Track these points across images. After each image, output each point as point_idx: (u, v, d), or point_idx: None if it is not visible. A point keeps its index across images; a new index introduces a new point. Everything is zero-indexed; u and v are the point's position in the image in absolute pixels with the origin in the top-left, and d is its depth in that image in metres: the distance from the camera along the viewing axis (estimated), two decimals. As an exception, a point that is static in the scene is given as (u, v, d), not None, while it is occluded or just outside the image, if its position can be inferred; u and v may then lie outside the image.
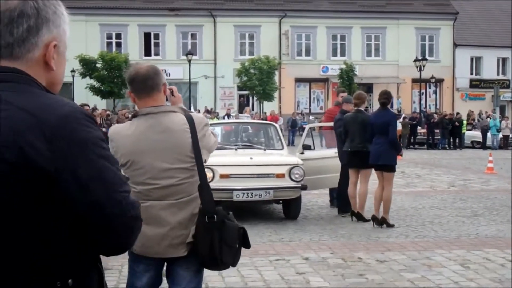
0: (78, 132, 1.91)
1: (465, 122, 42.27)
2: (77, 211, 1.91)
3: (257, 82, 47.94)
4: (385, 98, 11.82)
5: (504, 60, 58.84)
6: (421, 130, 40.85)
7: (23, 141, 1.85)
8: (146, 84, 4.15)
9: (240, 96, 55.03)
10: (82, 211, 1.91)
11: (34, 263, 1.91)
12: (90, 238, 1.98)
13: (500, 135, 40.11)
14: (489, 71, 58.25)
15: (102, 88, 44.78)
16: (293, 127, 42.84)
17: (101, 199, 1.92)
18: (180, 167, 4.12)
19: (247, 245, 4.31)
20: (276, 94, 51.15)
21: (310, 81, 56.45)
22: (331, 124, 13.30)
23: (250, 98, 53.41)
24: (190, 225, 4.15)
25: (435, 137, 39.86)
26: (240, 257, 4.39)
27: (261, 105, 50.26)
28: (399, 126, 37.02)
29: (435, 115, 42.41)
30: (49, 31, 2.03)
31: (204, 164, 4.23)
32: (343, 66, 50.34)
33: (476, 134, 41.27)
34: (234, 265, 4.37)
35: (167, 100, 4.40)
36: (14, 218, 1.87)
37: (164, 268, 4.39)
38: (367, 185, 12.05)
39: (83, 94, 43.25)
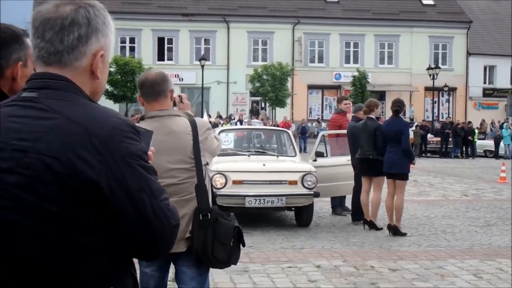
0: (124, 145, 1.94)
1: (476, 131, 42.09)
2: (124, 221, 1.94)
3: (270, 88, 47.96)
4: (398, 106, 11.79)
5: (517, 69, 58.62)
6: (432, 138, 40.72)
7: (72, 152, 1.87)
8: (154, 89, 4.50)
9: (253, 102, 55.03)
10: (129, 221, 1.94)
11: (79, 272, 1.93)
12: (132, 246, 2.00)
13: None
14: (502, 80, 58.02)
15: (115, 92, 44.92)
16: (303, 134, 42.77)
17: (148, 209, 1.95)
18: (182, 167, 4.41)
19: (242, 243, 4.58)
20: (288, 101, 51.15)
21: (322, 88, 56.43)
22: (344, 131, 13.28)
23: (263, 104, 53.41)
24: (189, 222, 4.40)
25: (448, 146, 39.73)
26: (239, 255, 4.63)
27: (274, 111, 50.26)
28: (411, 135, 37.02)
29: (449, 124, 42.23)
30: (97, 40, 2.07)
31: (207, 166, 4.56)
32: (356, 73, 50.24)
33: (489, 143, 41.10)
34: (231, 263, 4.55)
35: (174, 105, 4.71)
36: (60, 226, 1.88)
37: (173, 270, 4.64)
38: (379, 193, 12.00)
39: (97, 98, 43.38)
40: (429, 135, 40.93)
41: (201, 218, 4.39)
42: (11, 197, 1.87)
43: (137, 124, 4.25)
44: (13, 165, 1.88)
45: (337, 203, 13.88)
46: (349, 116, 13.99)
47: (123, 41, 53.20)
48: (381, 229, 11.71)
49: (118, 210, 1.92)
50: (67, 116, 1.91)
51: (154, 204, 1.96)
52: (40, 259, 1.88)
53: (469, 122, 42.70)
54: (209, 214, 4.41)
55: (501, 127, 42.15)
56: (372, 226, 11.91)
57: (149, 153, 2.08)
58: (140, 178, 1.95)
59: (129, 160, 1.94)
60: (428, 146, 40.28)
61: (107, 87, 44.35)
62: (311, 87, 56.14)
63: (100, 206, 1.91)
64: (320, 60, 56.47)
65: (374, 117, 12.18)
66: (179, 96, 4.74)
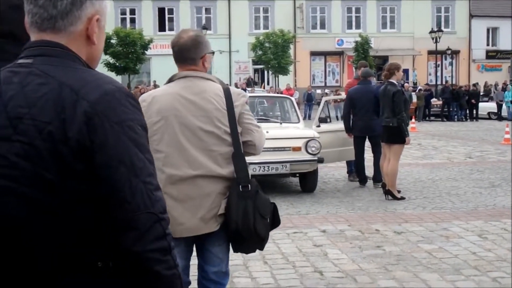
0: (115, 111, 1.88)
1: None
2: (99, 191, 1.86)
3: (272, 56, 47.84)
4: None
5: (521, 30, 58.35)
6: (436, 102, 40.64)
7: (63, 116, 1.84)
8: (182, 55, 4.14)
9: (255, 70, 54.89)
10: (105, 195, 1.86)
11: (77, 240, 1.89)
12: (112, 226, 1.88)
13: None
14: (505, 42, 57.59)
15: (117, 64, 44.81)
16: (309, 101, 42.74)
17: (123, 184, 1.86)
18: (211, 130, 4.02)
19: (277, 220, 4.26)
20: (291, 68, 51.01)
21: (325, 54, 56.25)
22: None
23: (265, 72, 53.29)
24: (220, 198, 4.06)
25: (450, 109, 39.64)
26: (268, 237, 4.27)
27: (277, 79, 50.15)
28: (414, 98, 36.96)
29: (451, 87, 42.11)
30: (92, 4, 2.02)
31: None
32: (358, 39, 50.07)
33: (493, 105, 40.99)
34: (263, 244, 4.23)
35: None
36: (56, 195, 1.85)
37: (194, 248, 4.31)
38: (396, 162, 11.43)
39: (99, 70, 42.99)
40: (432, 99, 40.83)
41: (240, 189, 4.03)
42: (9, 164, 1.86)
43: (165, 85, 4.14)
44: (10, 133, 1.87)
45: (352, 168, 13.75)
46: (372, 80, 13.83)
47: (123, 12, 52.96)
48: (402, 199, 11.39)
49: (99, 180, 1.85)
50: (60, 81, 1.89)
51: (132, 181, 1.86)
52: (33, 227, 1.86)
53: (475, 85, 42.56)
54: (249, 185, 4.06)
55: (503, 89, 41.97)
56: (390, 195, 11.44)
57: None
58: (123, 149, 1.87)
59: (116, 127, 1.87)
60: (431, 110, 40.20)
61: (109, 59, 44.30)
62: (313, 54, 55.95)
63: (91, 175, 1.85)
64: (322, 26, 56.21)
65: (395, 81, 11.71)
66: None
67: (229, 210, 4.02)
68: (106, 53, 43.75)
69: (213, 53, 4.30)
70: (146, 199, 1.88)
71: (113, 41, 44.55)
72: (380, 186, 12.10)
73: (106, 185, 1.85)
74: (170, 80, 4.19)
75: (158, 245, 1.88)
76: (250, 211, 4.02)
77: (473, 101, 39.52)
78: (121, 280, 1.91)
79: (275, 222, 4.24)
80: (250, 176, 4.11)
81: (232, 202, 4.02)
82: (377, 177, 12.61)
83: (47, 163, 1.84)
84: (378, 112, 12.10)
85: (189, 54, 4.12)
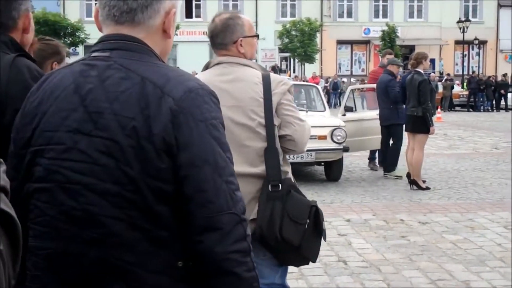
0: (199, 108, 1.86)
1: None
2: (183, 189, 1.83)
3: (299, 44, 47.78)
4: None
5: (550, 20, 57.75)
6: (462, 92, 40.39)
7: (148, 112, 1.81)
8: (213, 40, 3.75)
9: (282, 58, 54.81)
10: (188, 194, 1.83)
11: (158, 238, 1.85)
12: (190, 227, 1.85)
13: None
14: (534, 32, 57.16)
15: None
16: (335, 90, 42.69)
17: (209, 184, 1.83)
18: (244, 123, 3.54)
19: (319, 228, 3.65)
20: (317, 56, 50.90)
21: (351, 43, 56.08)
22: (373, 85, 13.22)
23: (292, 60, 53.21)
24: (255, 199, 3.55)
25: (476, 100, 39.39)
26: (319, 249, 3.72)
27: (303, 67, 50.06)
28: (440, 88, 36.76)
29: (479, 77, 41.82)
30: None
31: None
32: (385, 28, 49.84)
33: (520, 96, 40.67)
34: (306, 252, 3.63)
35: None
36: (137, 192, 1.81)
37: None
38: (421, 152, 11.41)
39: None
40: (459, 89, 40.59)
41: (270, 189, 3.52)
42: (90, 160, 1.83)
43: (202, 72, 3.77)
44: (90, 128, 1.84)
45: (374, 156, 13.89)
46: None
47: (150, -1, 52.92)
48: (426, 189, 11.34)
49: (182, 178, 1.82)
50: (143, 76, 1.86)
51: (216, 181, 1.84)
52: (115, 225, 1.82)
53: (504, 75, 42.21)
54: (280, 184, 3.54)
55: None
56: (415, 184, 11.39)
57: None
58: (208, 148, 1.85)
59: (201, 125, 1.84)
60: (456, 100, 39.96)
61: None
62: (340, 43, 55.80)
63: (174, 173, 1.82)
64: (349, 15, 56.02)
65: (421, 71, 11.60)
66: None
67: (257, 213, 3.53)
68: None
69: (255, 36, 3.84)
70: (229, 200, 1.85)
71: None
72: (388, 176, 12.38)
73: (190, 184, 1.82)
74: (206, 67, 3.79)
75: (240, 246, 1.85)
76: (277, 214, 3.49)
77: (502, 91, 39.21)
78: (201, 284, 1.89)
79: (317, 229, 3.64)
80: (283, 174, 3.62)
81: (260, 203, 3.53)
82: (388, 167, 12.79)
83: (130, 160, 1.81)
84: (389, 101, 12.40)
85: (218, 39, 3.71)
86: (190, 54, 51.14)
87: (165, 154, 1.81)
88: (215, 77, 3.59)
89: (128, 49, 1.92)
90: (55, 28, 43.26)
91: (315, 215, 3.61)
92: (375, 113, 13.10)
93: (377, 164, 13.74)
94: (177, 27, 45.64)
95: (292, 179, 3.71)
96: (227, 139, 3.23)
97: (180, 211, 1.84)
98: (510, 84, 42.04)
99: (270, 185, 3.53)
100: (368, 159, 14.10)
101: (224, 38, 3.68)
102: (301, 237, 3.53)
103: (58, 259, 1.87)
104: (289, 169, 3.73)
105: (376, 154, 13.87)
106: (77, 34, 46.13)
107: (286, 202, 3.53)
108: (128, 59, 1.90)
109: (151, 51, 1.95)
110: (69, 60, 4.84)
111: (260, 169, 3.55)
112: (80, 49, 47.89)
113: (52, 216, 1.87)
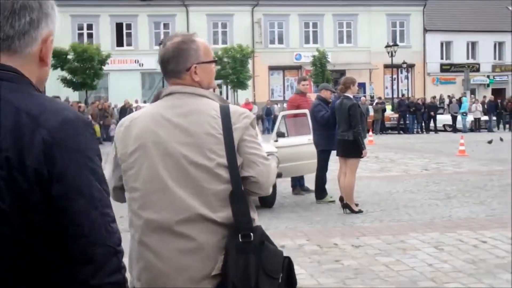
0: (74, 139, 1.83)
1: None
2: (55, 222, 1.80)
3: (231, 70, 47.90)
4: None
5: (473, 44, 59.36)
6: (392, 114, 41.18)
7: (21, 144, 1.77)
8: (163, 67, 3.27)
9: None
10: (59, 223, 1.81)
11: (34, 270, 1.84)
12: (70, 261, 1.84)
13: (472, 118, 40.61)
14: (459, 56, 58.68)
15: (74, 80, 44.35)
16: (268, 115, 42.94)
17: (82, 216, 1.81)
18: (201, 163, 3.02)
19: (293, 282, 3.16)
20: (250, 83, 51.14)
21: (283, 68, 56.52)
22: (304, 111, 13.34)
23: (224, 87, 53.34)
24: (217, 250, 3.02)
25: (407, 122, 40.25)
26: None
27: (235, 93, 50.23)
28: (371, 112, 37.40)
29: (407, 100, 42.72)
30: (47, 25, 1.96)
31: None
32: (316, 53, 50.40)
33: (448, 118, 41.70)
34: None
35: None
36: (11, 223, 1.78)
37: None
38: (352, 176, 11.55)
39: (55, 86, 42.64)
40: (390, 112, 41.38)
41: (240, 239, 2.99)
42: None
43: (150, 104, 3.31)
44: None
45: (297, 183, 14.02)
46: (311, 95, 13.99)
47: (80, 27, 52.53)
48: (359, 212, 11.50)
49: (55, 211, 1.80)
50: (17, 106, 1.81)
51: (91, 213, 1.82)
52: None
53: (434, 97, 43.26)
54: (251, 234, 3.03)
55: (458, 102, 42.49)
56: (349, 208, 11.51)
57: None
58: (83, 180, 1.82)
59: (76, 156, 1.82)
60: (387, 122, 40.74)
61: (66, 74, 43.84)
62: (272, 68, 56.18)
63: (47, 205, 1.79)
64: (280, 41, 56.50)
65: (350, 95, 11.79)
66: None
67: (225, 267, 2.98)
68: (62, 69, 43.41)
69: (213, 62, 3.33)
70: (104, 232, 1.84)
71: (70, 56, 44.13)
72: (321, 202, 12.59)
73: (64, 216, 1.80)
74: (157, 97, 3.29)
75: (114, 278, 1.85)
76: (252, 268, 2.98)
77: (431, 113, 40.13)
78: None
79: (290, 282, 3.15)
80: (253, 222, 3.10)
81: (230, 257, 2.98)
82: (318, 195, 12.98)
83: (1, 192, 1.76)
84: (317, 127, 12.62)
85: (170, 66, 3.23)
86: (121, 83, 50.88)
87: (37, 186, 1.77)
88: (166, 109, 3.15)
89: (7, 79, 1.86)
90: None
91: (288, 268, 3.15)
92: (307, 138, 13.22)
93: (302, 189, 13.95)
94: (108, 56, 45.55)
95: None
96: (182, 179, 2.88)
97: (55, 243, 1.82)
98: (439, 106, 43.12)
99: (240, 235, 3.01)
100: (291, 186, 14.17)
101: (176, 65, 3.21)
102: None
103: None
104: (255, 215, 3.16)
105: (299, 181, 14.06)
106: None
107: (261, 254, 3.04)
108: (3, 89, 1.84)
109: (27, 80, 1.91)
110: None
111: (221, 216, 3.02)
112: None
113: None
